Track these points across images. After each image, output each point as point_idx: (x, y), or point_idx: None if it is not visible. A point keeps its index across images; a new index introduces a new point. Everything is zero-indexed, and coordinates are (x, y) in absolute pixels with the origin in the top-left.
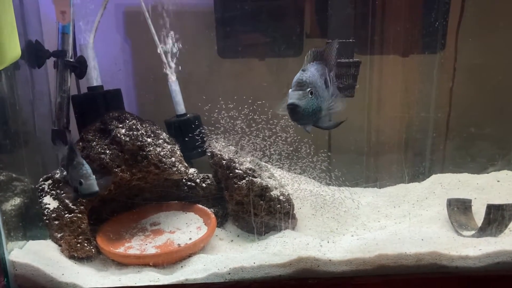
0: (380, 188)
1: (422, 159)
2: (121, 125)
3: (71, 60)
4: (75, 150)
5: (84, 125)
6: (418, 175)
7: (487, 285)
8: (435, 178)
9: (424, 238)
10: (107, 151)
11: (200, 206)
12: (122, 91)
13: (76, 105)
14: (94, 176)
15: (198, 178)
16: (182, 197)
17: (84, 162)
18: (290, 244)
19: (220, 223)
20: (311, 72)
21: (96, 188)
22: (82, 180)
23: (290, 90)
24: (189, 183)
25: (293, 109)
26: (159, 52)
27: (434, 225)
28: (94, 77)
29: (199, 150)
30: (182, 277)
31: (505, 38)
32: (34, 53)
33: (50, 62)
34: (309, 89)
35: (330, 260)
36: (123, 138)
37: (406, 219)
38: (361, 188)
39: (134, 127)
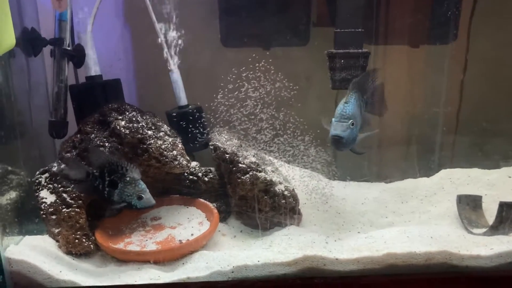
0: (387, 183)
1: (431, 154)
2: (120, 117)
3: (69, 48)
4: (127, 166)
5: (82, 117)
6: (426, 170)
7: (499, 286)
8: (444, 173)
9: (433, 236)
10: (106, 144)
11: (202, 200)
12: (122, 81)
13: (74, 95)
14: (148, 191)
15: (200, 172)
16: (184, 191)
17: (139, 176)
18: (295, 241)
19: (223, 218)
20: (352, 104)
21: (154, 201)
22: (142, 195)
23: (333, 119)
24: (191, 177)
25: (337, 140)
26: (160, 41)
27: (443, 222)
28: (93, 66)
29: (202, 143)
30: (183, 275)
31: None
32: (30, 41)
33: (46, 50)
34: (351, 121)
35: (337, 259)
36: (123, 130)
37: (414, 215)
38: (368, 183)
39: (134, 119)
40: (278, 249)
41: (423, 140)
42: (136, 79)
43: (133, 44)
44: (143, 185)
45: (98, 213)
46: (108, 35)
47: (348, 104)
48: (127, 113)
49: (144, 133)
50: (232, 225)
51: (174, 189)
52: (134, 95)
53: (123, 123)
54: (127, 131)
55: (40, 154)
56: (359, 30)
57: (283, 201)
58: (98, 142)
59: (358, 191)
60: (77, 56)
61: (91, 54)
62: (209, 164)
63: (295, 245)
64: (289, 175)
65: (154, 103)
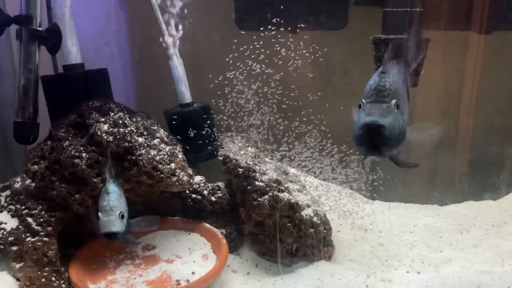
0: (441, 205)
1: (498, 169)
2: (103, 119)
3: (40, 29)
4: (108, 171)
5: (59, 116)
6: (492, 191)
7: None
8: None
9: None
10: (83, 154)
11: (208, 226)
12: (111, 72)
13: (48, 89)
14: (118, 212)
15: (206, 189)
16: (184, 212)
17: (114, 189)
18: (326, 283)
19: (234, 247)
20: (393, 75)
21: (115, 228)
22: (99, 213)
23: (364, 101)
24: (194, 195)
25: (377, 131)
26: (159, 22)
27: None
28: (72, 52)
29: (209, 152)
30: None
31: None
32: None
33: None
34: (394, 100)
35: None
36: (105, 136)
37: (478, 251)
38: (418, 205)
39: (120, 122)
40: None
41: (489, 152)
42: (129, 69)
43: (130, 25)
44: (108, 202)
45: (75, 241)
46: (93, 12)
47: (386, 75)
48: (112, 113)
49: (133, 140)
50: (245, 258)
51: (172, 209)
52: (128, 89)
53: (105, 127)
54: (111, 138)
55: (6, 164)
56: (417, 9)
57: (311, 230)
58: (72, 152)
59: (405, 215)
60: (52, 39)
61: (69, 37)
62: (219, 177)
63: None
64: (318, 192)
65: (155, 100)
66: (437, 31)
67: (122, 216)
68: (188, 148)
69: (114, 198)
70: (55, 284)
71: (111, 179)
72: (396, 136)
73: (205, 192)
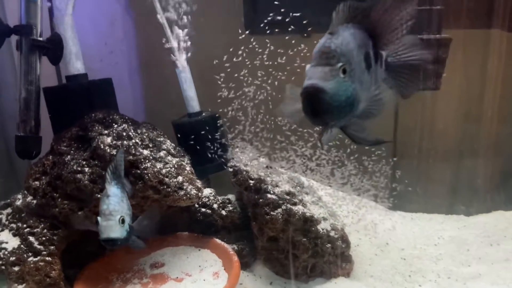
0: (468, 216)
1: None
2: (106, 132)
3: (40, 38)
4: (109, 171)
5: (62, 129)
6: None
7: None
8: None
9: None
10: (86, 169)
11: (218, 241)
12: (115, 81)
13: (50, 101)
14: (118, 217)
15: (215, 203)
16: (193, 227)
17: (115, 192)
18: None
19: (246, 264)
20: (344, 38)
21: (114, 234)
22: (98, 218)
23: (308, 66)
24: (203, 209)
25: (314, 96)
26: (165, 29)
27: None
28: (75, 62)
29: (218, 163)
30: None
31: None
32: None
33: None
34: (340, 64)
35: None
36: (108, 150)
37: (511, 264)
38: (442, 216)
39: (124, 134)
40: None
41: None
42: (136, 78)
43: (136, 33)
44: (108, 205)
45: (79, 260)
46: (96, 20)
47: (334, 37)
48: (116, 125)
49: (138, 153)
50: (259, 275)
51: (181, 224)
52: (135, 99)
53: (109, 140)
54: (115, 152)
55: (4, 181)
56: (437, 7)
57: (328, 245)
58: (75, 167)
59: (429, 226)
60: (53, 49)
61: (72, 46)
62: (231, 190)
63: None
64: (335, 204)
65: (163, 110)
66: (459, 30)
67: (123, 221)
68: (197, 159)
69: (114, 201)
70: None
71: (113, 180)
72: (341, 104)
73: (215, 206)
